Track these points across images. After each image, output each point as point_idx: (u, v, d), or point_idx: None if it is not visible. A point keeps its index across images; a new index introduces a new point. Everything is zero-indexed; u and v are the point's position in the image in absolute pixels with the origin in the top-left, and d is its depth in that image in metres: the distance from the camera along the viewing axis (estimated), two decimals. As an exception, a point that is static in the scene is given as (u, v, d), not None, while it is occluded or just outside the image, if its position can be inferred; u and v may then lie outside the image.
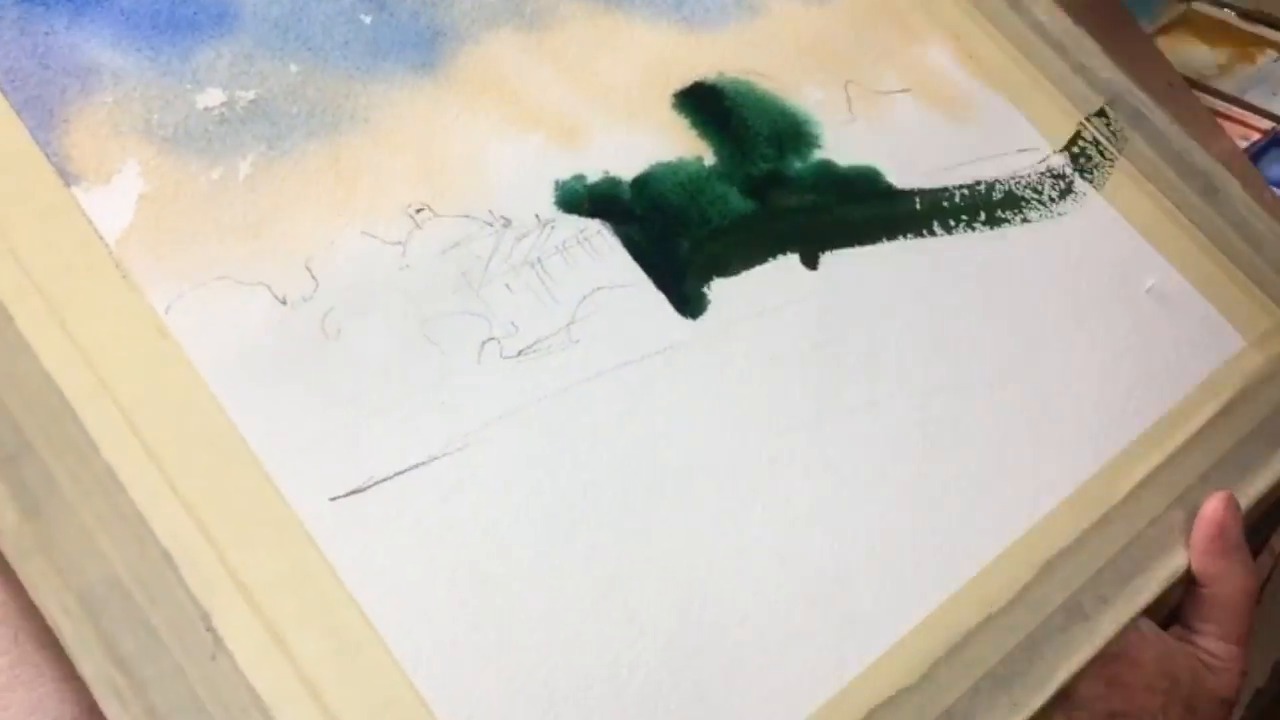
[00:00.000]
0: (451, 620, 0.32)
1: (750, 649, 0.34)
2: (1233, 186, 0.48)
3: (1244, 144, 0.81)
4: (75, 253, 0.34)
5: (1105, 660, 0.37)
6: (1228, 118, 0.84)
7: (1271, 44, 0.93)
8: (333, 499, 0.33)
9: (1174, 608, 0.40)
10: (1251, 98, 0.86)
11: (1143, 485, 0.40)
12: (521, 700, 0.32)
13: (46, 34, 0.38)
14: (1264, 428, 0.43)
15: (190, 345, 0.34)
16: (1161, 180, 0.47)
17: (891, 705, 0.34)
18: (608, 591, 0.34)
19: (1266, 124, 0.84)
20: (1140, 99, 0.49)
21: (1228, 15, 0.95)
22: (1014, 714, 0.35)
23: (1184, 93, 0.59)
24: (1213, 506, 0.40)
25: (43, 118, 0.36)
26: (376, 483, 0.33)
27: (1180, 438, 0.41)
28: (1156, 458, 0.41)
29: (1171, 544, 0.39)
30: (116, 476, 0.32)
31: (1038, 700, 0.35)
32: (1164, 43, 0.93)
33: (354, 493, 0.33)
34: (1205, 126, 0.58)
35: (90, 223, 0.35)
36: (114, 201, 0.35)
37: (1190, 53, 0.94)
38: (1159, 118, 0.49)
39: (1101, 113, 0.49)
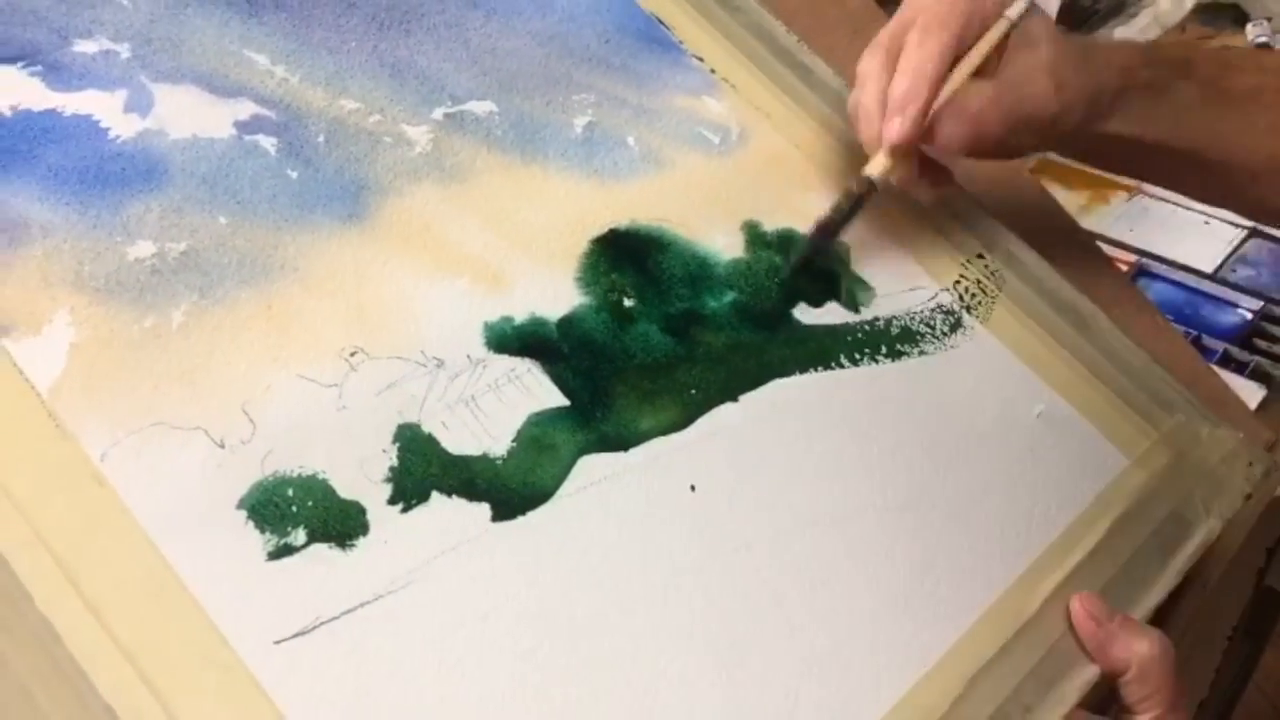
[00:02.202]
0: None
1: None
2: (1100, 319, 0.52)
3: (1116, 276, 0.87)
4: (5, 403, 0.34)
5: None
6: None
7: (1122, 186, 1.01)
8: (277, 642, 0.32)
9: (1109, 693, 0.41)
10: (1112, 234, 0.94)
11: (1053, 598, 0.42)
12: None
13: (-28, 189, 0.38)
14: (1152, 540, 0.46)
15: (127, 492, 0.33)
16: (1039, 315, 0.51)
17: (840, 824, 0.35)
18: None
19: (1131, 257, 0.91)
20: (1014, 241, 0.54)
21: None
22: (955, 829, 0.36)
23: (1078, 231, 0.64)
24: (1074, 611, 0.42)
25: (-30, 270, 0.36)
26: (322, 623, 0.33)
27: (1081, 552, 0.44)
28: (1062, 572, 0.43)
29: (1084, 655, 0.41)
30: (53, 628, 0.31)
31: (977, 812, 0.36)
32: None
33: (299, 634, 0.33)
34: (1097, 264, 0.63)
35: (21, 373, 0.35)
36: (45, 351, 0.35)
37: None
38: (1030, 257, 0.53)
39: (980, 255, 0.52)
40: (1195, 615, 0.52)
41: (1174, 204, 0.97)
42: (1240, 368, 0.79)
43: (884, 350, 0.47)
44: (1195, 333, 0.82)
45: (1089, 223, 0.97)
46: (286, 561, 0.34)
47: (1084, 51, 0.49)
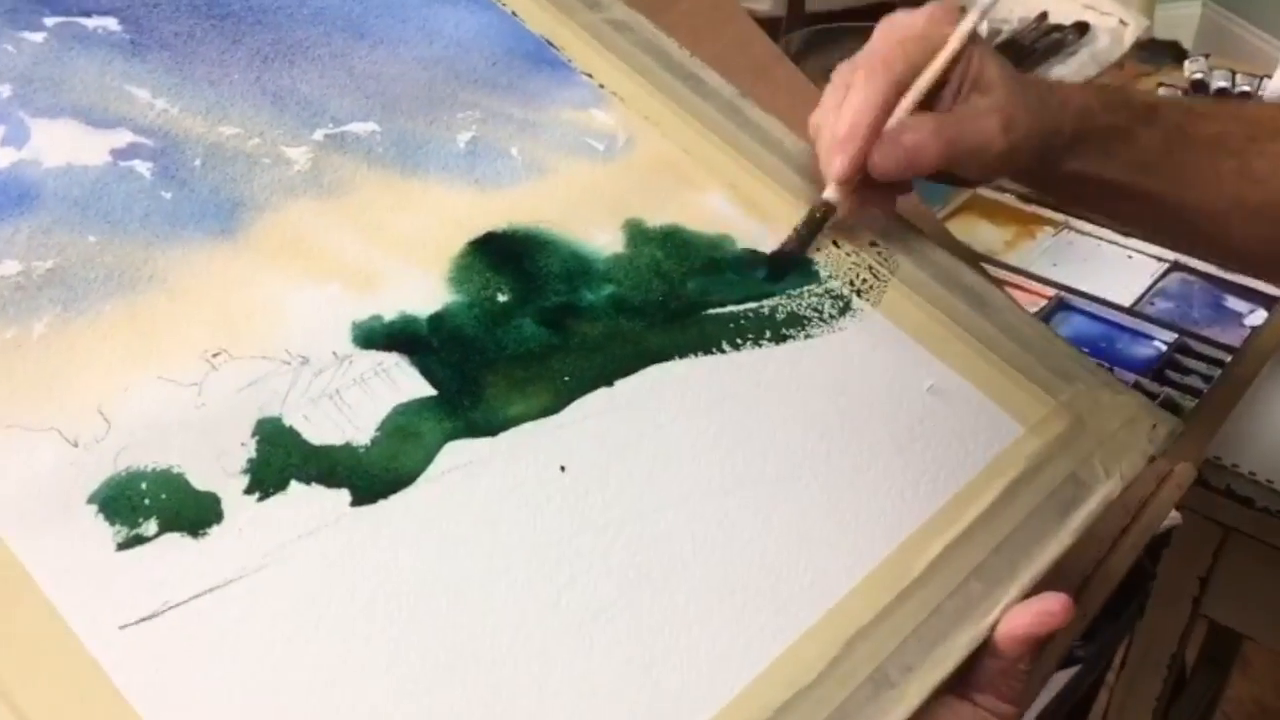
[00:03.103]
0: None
1: (559, 740, 0.34)
2: (999, 298, 0.53)
3: (1033, 309, 0.89)
4: None
5: None
6: (1017, 287, 0.93)
7: (1049, 221, 1.03)
8: (122, 627, 0.33)
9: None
10: (1036, 269, 0.96)
11: (939, 561, 0.42)
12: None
13: None
14: (1048, 502, 0.45)
15: (-23, 491, 0.34)
16: (933, 296, 0.51)
17: (704, 784, 0.34)
18: (410, 702, 0.34)
19: (1050, 291, 0.93)
20: (909, 232, 0.54)
21: (1008, 199, 1.06)
22: (829, 786, 0.35)
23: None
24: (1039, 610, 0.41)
25: None
26: (170, 608, 0.33)
27: (971, 515, 0.44)
28: (950, 535, 0.43)
29: (970, 614, 0.41)
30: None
31: (853, 769, 0.36)
32: (955, 224, 1.02)
33: (145, 619, 0.33)
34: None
35: (-123, 384, 0.35)
36: (-97, 364, 0.36)
37: (979, 232, 1.04)
38: (926, 245, 0.54)
39: (873, 243, 0.53)
40: (1132, 644, 0.52)
41: (1098, 239, 0.98)
42: (1150, 398, 0.79)
43: (768, 335, 0.47)
44: (1109, 365, 0.82)
45: (1014, 258, 0.98)
46: (137, 551, 0.34)
47: (1041, 94, 0.52)
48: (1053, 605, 0.41)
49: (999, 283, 0.60)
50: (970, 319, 0.51)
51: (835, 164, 0.50)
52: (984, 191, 1.04)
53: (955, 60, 0.51)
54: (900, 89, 0.51)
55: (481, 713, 0.34)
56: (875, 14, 1.25)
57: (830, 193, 0.51)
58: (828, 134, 0.51)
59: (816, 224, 0.51)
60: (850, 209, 0.51)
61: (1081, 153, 0.53)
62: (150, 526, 0.35)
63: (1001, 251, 0.98)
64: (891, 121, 0.50)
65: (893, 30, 0.52)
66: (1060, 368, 0.50)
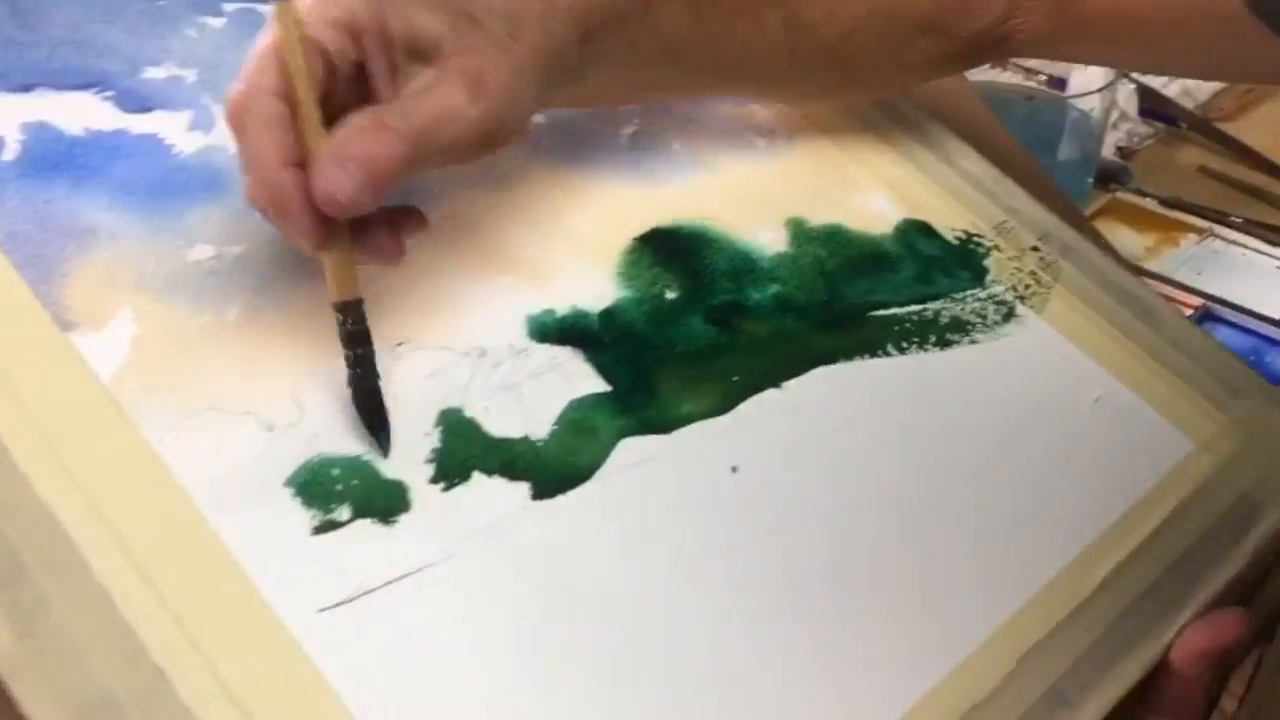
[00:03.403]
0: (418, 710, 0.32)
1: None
2: (1165, 309, 0.51)
3: (1177, 320, 0.86)
4: (71, 391, 0.36)
5: None
6: (1161, 296, 0.91)
7: (1192, 228, 1.00)
8: (321, 610, 0.33)
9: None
10: (1179, 277, 0.93)
11: (1111, 578, 0.41)
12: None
13: (47, 201, 0.40)
14: (1222, 522, 0.44)
15: (182, 471, 0.35)
16: (1098, 304, 0.50)
17: (885, 795, 0.34)
18: (591, 696, 0.34)
19: (1196, 300, 0.90)
20: (1070, 235, 0.53)
21: (1150, 204, 1.03)
22: (1009, 801, 0.35)
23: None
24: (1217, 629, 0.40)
25: (41, 273, 0.38)
26: (364, 593, 0.34)
27: (1143, 533, 0.43)
28: (1122, 553, 0.42)
29: (1145, 633, 0.40)
30: (109, 595, 0.32)
31: (1031, 787, 0.35)
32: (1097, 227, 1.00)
33: (341, 604, 0.34)
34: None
35: (85, 364, 0.37)
36: (108, 344, 0.37)
37: (1119, 237, 1.01)
38: (1089, 250, 0.53)
39: (1034, 247, 0.52)
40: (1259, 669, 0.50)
41: (1244, 247, 0.96)
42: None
43: (933, 339, 0.47)
44: (1262, 379, 0.80)
45: (1155, 265, 0.96)
46: (331, 536, 0.35)
47: (507, 16, 0.38)
48: (1230, 620, 0.40)
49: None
50: (1136, 329, 0.50)
51: (301, 240, 0.37)
52: (1124, 196, 1.02)
53: (357, 33, 0.38)
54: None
55: (658, 711, 0.34)
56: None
57: (333, 294, 0.38)
58: (262, 197, 0.37)
59: (356, 338, 0.38)
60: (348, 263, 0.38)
61: (598, 59, 0.42)
62: (344, 512, 0.36)
63: (1143, 258, 0.96)
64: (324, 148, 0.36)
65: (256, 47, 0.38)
66: (1230, 383, 0.49)
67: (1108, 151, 1.17)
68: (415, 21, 0.38)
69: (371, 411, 0.37)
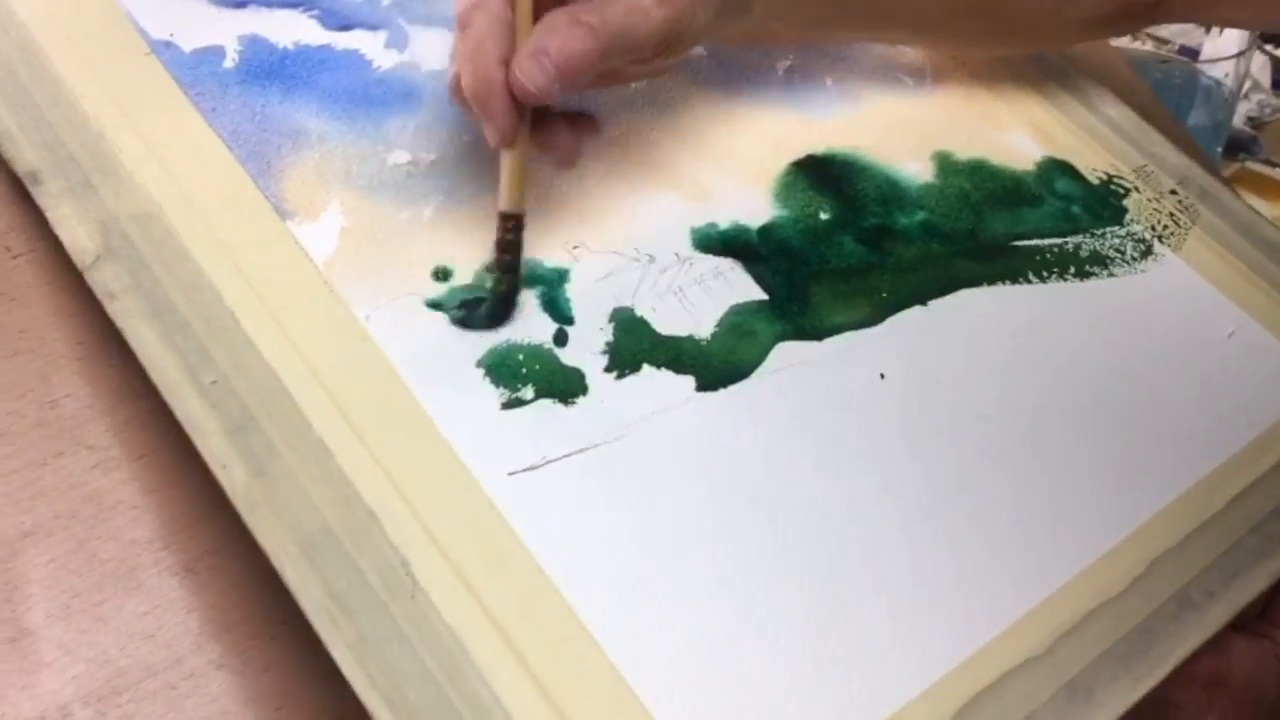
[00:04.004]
0: (618, 572, 0.36)
1: (893, 616, 0.37)
2: (1298, 252, 0.53)
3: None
4: (290, 272, 0.40)
5: (1202, 670, 0.40)
6: None
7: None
8: (510, 473, 0.37)
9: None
10: None
11: (1240, 497, 0.43)
12: (676, 638, 0.35)
13: (263, 105, 0.44)
14: (1351, 453, 0.46)
15: (387, 346, 0.39)
16: (1233, 245, 0.52)
17: (1021, 671, 0.37)
18: (742, 570, 0.37)
19: None
20: (1207, 180, 0.55)
21: (1279, 174, 1.02)
22: (1133, 690, 0.37)
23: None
24: None
25: (261, 168, 0.43)
26: (549, 462, 0.38)
27: (1271, 459, 0.44)
28: (1251, 475, 0.44)
29: (1271, 550, 0.42)
30: (327, 447, 0.36)
31: (1155, 677, 0.38)
32: None
33: (529, 469, 0.37)
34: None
35: (302, 249, 0.41)
36: (321, 233, 0.41)
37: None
38: (1226, 195, 0.54)
39: (1173, 191, 0.54)
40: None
41: None
42: None
43: (1073, 270, 0.49)
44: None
45: None
46: (517, 412, 0.39)
47: None
48: None
49: None
50: (1270, 270, 0.51)
51: (488, 132, 0.40)
52: (1254, 165, 1.02)
53: None
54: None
55: (798, 593, 0.37)
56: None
57: (505, 202, 0.41)
58: (470, 87, 0.40)
59: (512, 247, 0.41)
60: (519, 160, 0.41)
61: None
62: (528, 392, 0.39)
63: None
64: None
65: None
66: (1364, 326, 0.50)
67: (1239, 121, 1.16)
68: None
69: (500, 317, 0.41)
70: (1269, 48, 1.24)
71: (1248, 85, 1.18)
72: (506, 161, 0.41)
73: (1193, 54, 1.08)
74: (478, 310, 0.40)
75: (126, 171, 0.41)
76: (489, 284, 0.41)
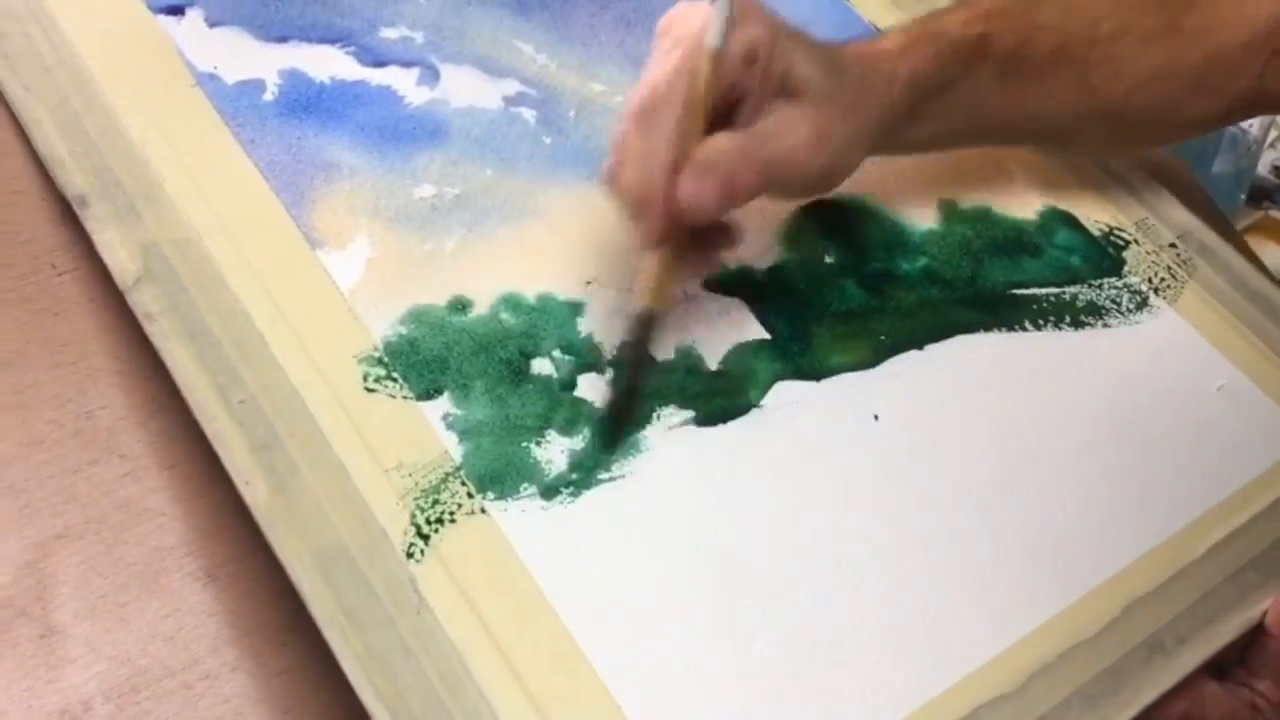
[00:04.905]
0: (615, 599, 0.38)
1: (874, 650, 0.39)
2: (1294, 308, 0.54)
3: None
4: (317, 299, 0.43)
5: (1175, 715, 0.42)
6: None
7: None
8: (516, 499, 0.39)
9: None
10: None
11: (1219, 547, 0.45)
12: (666, 663, 0.37)
13: (299, 138, 0.47)
14: (1332, 508, 0.47)
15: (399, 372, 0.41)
16: (1229, 301, 0.54)
17: (992, 707, 0.39)
18: (741, 596, 0.39)
19: None
20: (1208, 235, 0.56)
21: None
22: (1101, 729, 0.39)
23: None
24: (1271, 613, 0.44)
25: (295, 198, 0.45)
26: (564, 487, 0.40)
27: (1253, 510, 0.46)
28: (1232, 525, 0.45)
29: (1245, 599, 0.44)
30: (345, 468, 0.39)
31: (1122, 718, 0.39)
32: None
33: (534, 495, 0.40)
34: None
35: (330, 277, 0.43)
36: (348, 263, 0.44)
37: (1267, 253, 1.02)
38: (1225, 251, 0.56)
39: (1172, 245, 0.55)
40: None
41: None
42: None
43: (1068, 319, 0.51)
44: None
45: None
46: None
47: (863, 76, 0.45)
48: None
49: None
50: (1265, 327, 0.53)
51: (639, 233, 0.42)
52: (1277, 214, 1.03)
53: (751, 60, 0.42)
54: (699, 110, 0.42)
55: (782, 626, 0.39)
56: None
57: (644, 297, 0.42)
58: (634, 188, 0.41)
59: (639, 345, 0.42)
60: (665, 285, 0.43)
61: (919, 120, 0.47)
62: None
63: None
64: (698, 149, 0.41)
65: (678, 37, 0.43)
66: (1352, 384, 0.52)
67: (1264, 170, 1.17)
68: (795, 63, 0.43)
69: (611, 441, 0.41)
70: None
71: (1274, 134, 1.19)
72: (650, 261, 0.42)
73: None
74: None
75: (169, 198, 0.44)
76: (606, 389, 0.42)
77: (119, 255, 0.42)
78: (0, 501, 0.40)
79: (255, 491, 0.37)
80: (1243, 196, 1.10)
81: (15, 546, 0.39)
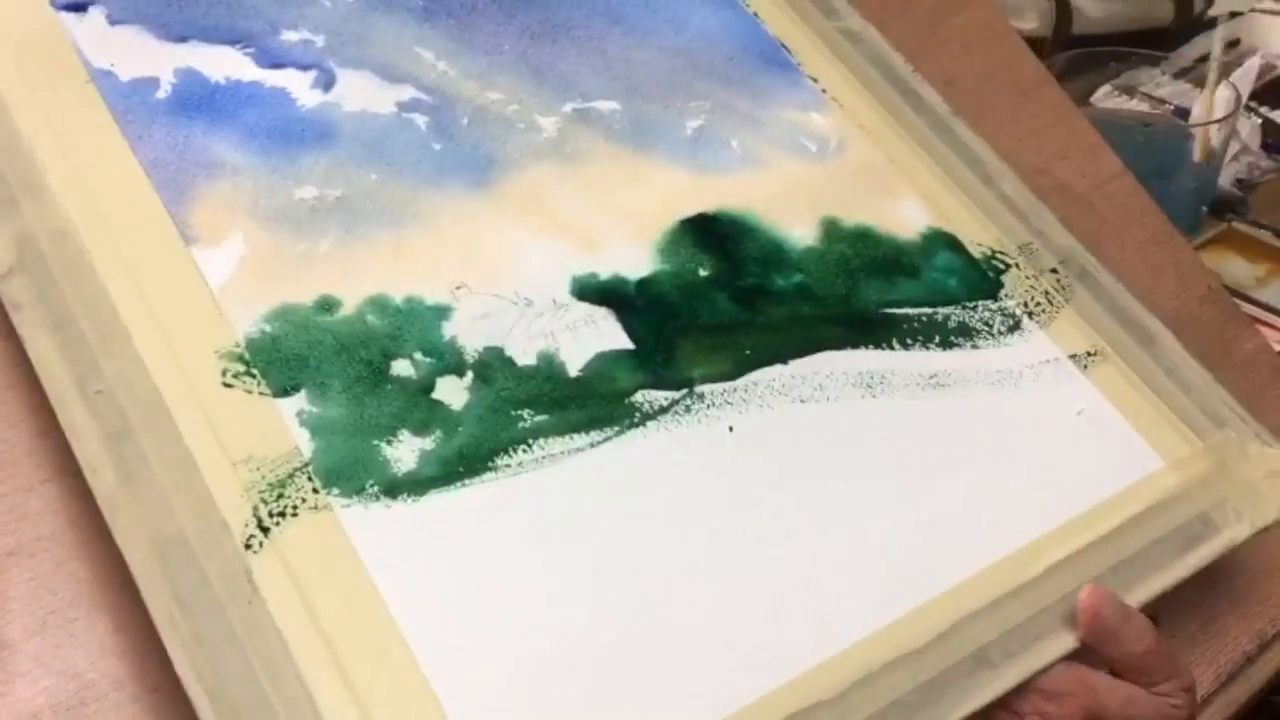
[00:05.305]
0: (447, 596, 0.39)
1: (693, 650, 0.40)
2: (1169, 340, 0.55)
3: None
4: (184, 293, 0.44)
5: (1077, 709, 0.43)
6: (1265, 324, 0.93)
7: (1303, 259, 1.02)
8: (358, 495, 0.41)
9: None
10: None
11: (1056, 567, 0.46)
12: (492, 662, 0.38)
13: (187, 136, 0.48)
14: (1174, 534, 0.48)
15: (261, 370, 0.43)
16: (1101, 327, 0.55)
17: (807, 714, 0.40)
18: (575, 595, 0.41)
19: None
20: (1090, 261, 0.57)
21: (1265, 235, 1.05)
22: (915, 740, 0.41)
23: (1221, 296, 0.68)
24: (1084, 597, 0.45)
25: (175, 195, 0.46)
26: (409, 486, 0.41)
27: (1095, 533, 0.47)
28: (1072, 547, 0.47)
29: (1076, 620, 0.45)
30: (194, 459, 0.40)
31: (939, 729, 0.41)
32: (1207, 256, 1.02)
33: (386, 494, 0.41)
34: (1239, 324, 0.67)
35: (200, 273, 0.45)
36: (221, 260, 0.45)
37: (1229, 265, 1.03)
38: (1105, 278, 0.57)
39: (1053, 270, 0.57)
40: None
41: None
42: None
43: (937, 340, 0.52)
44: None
45: (1264, 295, 0.98)
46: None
47: None
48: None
49: (1249, 320, 0.63)
50: (1134, 354, 0.54)
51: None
52: (1240, 226, 1.05)
53: None
54: None
55: (612, 626, 0.41)
56: (1140, 39, 1.23)
57: None
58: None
59: None
60: None
61: None
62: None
63: (1251, 287, 0.98)
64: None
65: None
66: (1215, 413, 0.53)
67: (1228, 183, 1.18)
68: None
69: None
70: (1263, 110, 1.26)
71: (1237, 148, 1.21)
72: None
73: (1184, 114, 1.11)
74: None
75: (49, 191, 0.45)
76: None
77: (-6, 246, 0.43)
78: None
79: (101, 480, 0.39)
80: (1204, 208, 1.12)
81: (-33, 563, 0.40)
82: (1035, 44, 1.21)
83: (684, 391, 0.47)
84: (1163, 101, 1.17)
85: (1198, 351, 0.56)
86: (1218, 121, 1.04)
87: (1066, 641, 0.44)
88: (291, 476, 0.41)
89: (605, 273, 0.49)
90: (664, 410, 0.46)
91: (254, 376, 0.42)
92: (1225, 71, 1.08)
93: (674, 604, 0.41)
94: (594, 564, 0.42)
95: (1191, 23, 1.29)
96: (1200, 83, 1.09)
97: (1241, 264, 1.04)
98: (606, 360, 0.47)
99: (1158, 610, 0.48)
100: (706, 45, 0.60)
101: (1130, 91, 1.18)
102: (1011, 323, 0.54)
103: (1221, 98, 1.06)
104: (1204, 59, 1.20)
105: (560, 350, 0.47)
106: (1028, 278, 0.56)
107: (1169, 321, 0.56)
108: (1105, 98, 1.16)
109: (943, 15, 0.73)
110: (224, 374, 0.42)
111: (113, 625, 0.40)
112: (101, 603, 0.40)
